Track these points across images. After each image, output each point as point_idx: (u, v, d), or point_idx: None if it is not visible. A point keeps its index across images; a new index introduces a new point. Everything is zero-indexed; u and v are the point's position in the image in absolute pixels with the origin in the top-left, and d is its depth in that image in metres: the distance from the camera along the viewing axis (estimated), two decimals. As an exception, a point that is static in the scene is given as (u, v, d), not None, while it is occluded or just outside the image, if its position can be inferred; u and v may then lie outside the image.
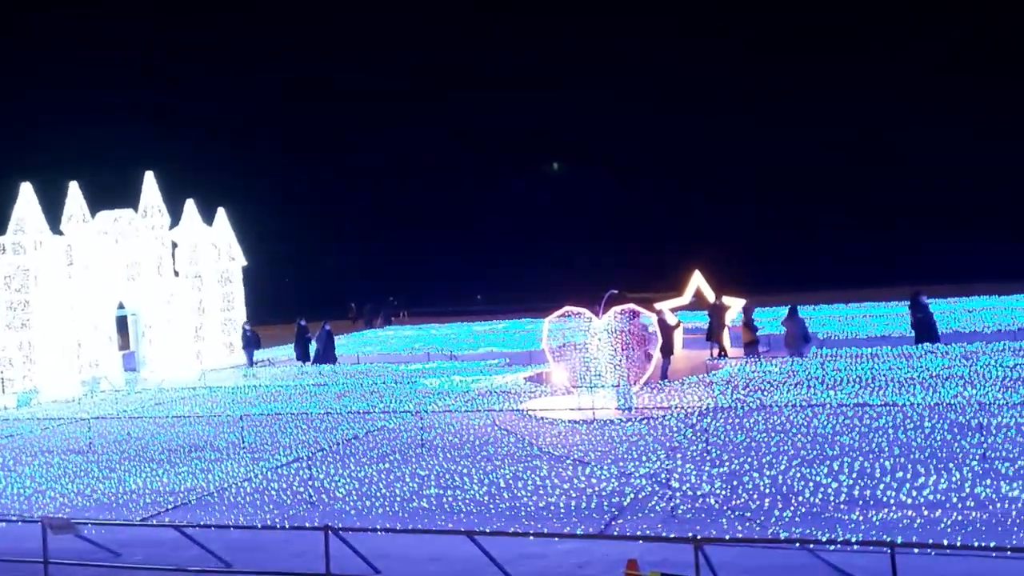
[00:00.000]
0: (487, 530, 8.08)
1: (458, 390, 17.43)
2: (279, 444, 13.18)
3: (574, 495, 9.35)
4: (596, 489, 9.52)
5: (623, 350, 16.06)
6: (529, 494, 9.52)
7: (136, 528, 9.20)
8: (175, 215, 26.70)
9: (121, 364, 23.70)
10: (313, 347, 24.79)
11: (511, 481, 10.09)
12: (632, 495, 9.17)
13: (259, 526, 8.82)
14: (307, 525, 8.70)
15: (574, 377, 16.17)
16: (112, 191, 26.45)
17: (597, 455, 11.11)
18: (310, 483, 10.50)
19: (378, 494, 9.97)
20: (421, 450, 12.05)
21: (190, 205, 27.48)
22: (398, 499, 9.72)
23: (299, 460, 11.85)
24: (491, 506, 9.18)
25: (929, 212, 59.20)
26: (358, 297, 47.92)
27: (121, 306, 24.38)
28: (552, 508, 8.96)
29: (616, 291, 17.92)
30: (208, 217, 28.27)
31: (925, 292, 20.20)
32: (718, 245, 48.29)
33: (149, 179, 25.32)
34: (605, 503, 8.99)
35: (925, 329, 19.51)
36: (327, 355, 24.42)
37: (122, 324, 25.17)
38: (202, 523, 8.91)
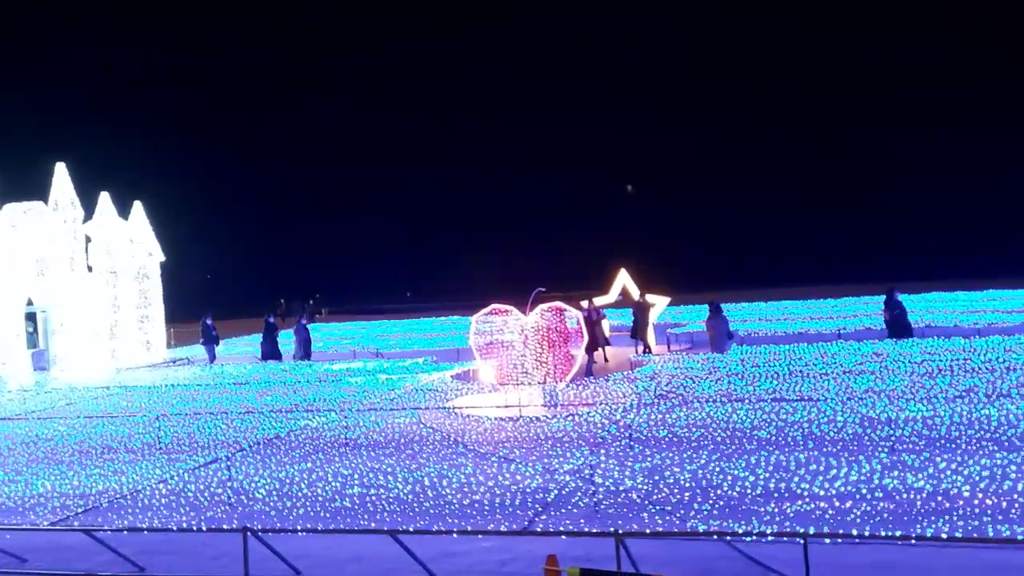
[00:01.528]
0: (410, 529, 8.04)
1: (383, 388, 17.27)
2: (196, 444, 12.84)
3: (499, 492, 9.36)
4: (520, 486, 9.55)
5: (549, 347, 16.18)
6: (454, 492, 9.49)
7: (44, 533, 8.84)
8: (88, 208, 25.75)
9: (30, 363, 22.74)
10: (293, 343, 23.96)
11: (436, 479, 10.04)
12: (556, 491, 9.23)
13: (174, 529, 8.57)
14: (225, 527, 8.50)
15: (501, 374, 16.22)
16: (21, 183, 25.32)
17: (522, 452, 11.15)
18: (228, 484, 10.25)
19: (299, 494, 9.80)
20: (344, 449, 11.90)
21: (104, 198, 26.50)
22: (320, 499, 9.57)
23: (217, 461, 11.56)
24: (415, 505, 9.13)
25: (857, 209, 61.41)
26: (283, 293, 47.09)
27: (30, 302, 23.39)
28: (476, 505, 8.96)
29: (543, 289, 18.02)
30: (124, 211, 27.35)
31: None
32: (644, 243, 49.15)
33: (60, 170, 24.38)
34: (529, 500, 9.03)
35: (899, 325, 20.17)
36: (306, 350, 23.79)
37: (32, 321, 24.14)
38: (114, 527, 8.61)
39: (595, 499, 8.82)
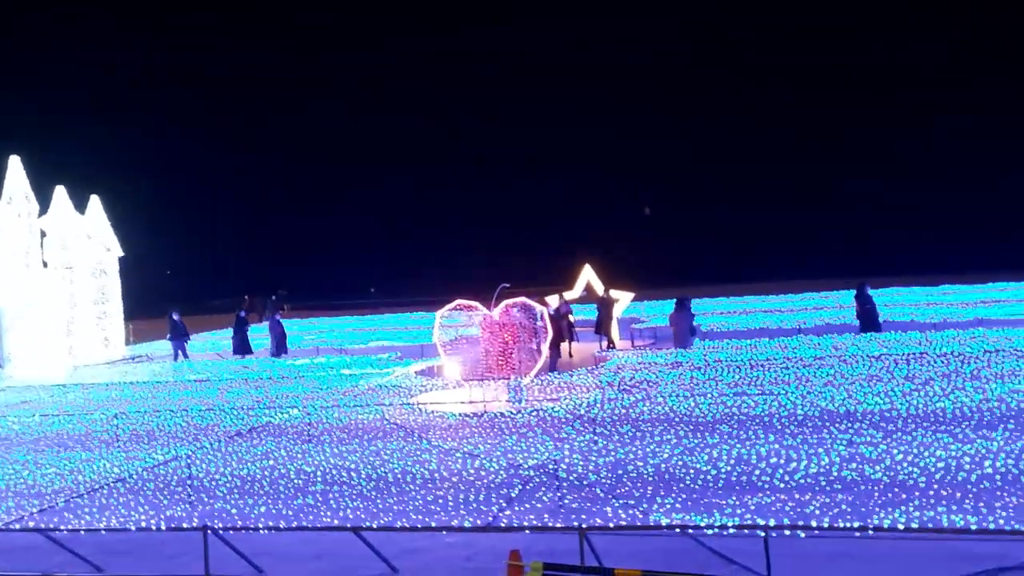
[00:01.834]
0: (374, 525, 8.00)
1: (347, 384, 17.16)
2: (156, 442, 12.64)
3: (462, 488, 9.35)
4: (484, 481, 9.55)
5: (514, 343, 16.19)
6: (417, 488, 9.46)
7: (-3, 534, 8.64)
8: (44, 203, 25.19)
9: (-17, 360, 22.22)
10: (269, 338, 23.60)
11: (399, 475, 10.00)
12: (520, 486, 9.24)
13: (133, 528, 8.43)
14: (185, 526, 8.38)
15: (465, 370, 16.19)
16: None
17: (487, 447, 11.15)
18: (189, 482, 10.11)
19: (261, 492, 9.70)
20: (307, 446, 11.80)
21: (60, 192, 25.95)
22: (282, 496, 9.48)
23: (177, 458, 11.40)
24: (379, 501, 9.08)
25: (817, 208, 62.26)
26: (247, 289, 46.54)
27: (-17, 299, 22.85)
28: (440, 501, 8.93)
29: (508, 285, 18.02)
30: (81, 206, 26.81)
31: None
32: (610, 239, 49.40)
33: (15, 164, 23.82)
34: (493, 495, 9.03)
35: (869, 319, 20.55)
36: (280, 346, 23.48)
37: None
38: (71, 526, 8.44)
39: (559, 494, 8.84)
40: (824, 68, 68.36)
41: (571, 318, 22.37)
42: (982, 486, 8.16)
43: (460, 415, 13.47)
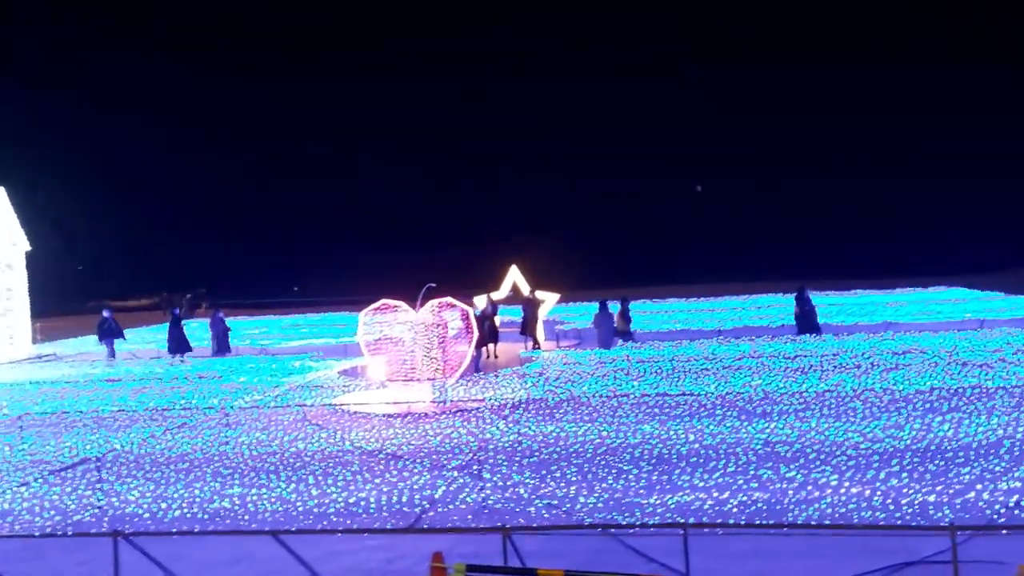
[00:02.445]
0: (293, 529, 7.84)
1: (267, 384, 16.79)
2: (64, 445, 12.12)
3: (385, 490, 9.24)
4: (408, 483, 9.46)
5: (439, 343, 16.10)
6: (339, 490, 9.31)
7: None
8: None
9: None
10: (210, 338, 22.71)
11: (320, 478, 9.83)
12: (444, 488, 9.19)
13: (38, 534, 8.05)
14: (94, 531, 8.05)
15: (390, 371, 16.04)
16: None
17: (410, 449, 11.05)
18: (99, 486, 9.72)
19: (176, 495, 9.40)
20: (225, 448, 11.49)
21: (-38, 183, 24.70)
22: (197, 500, 9.20)
23: (86, 462, 10.95)
24: (299, 504, 8.89)
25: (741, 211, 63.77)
26: (165, 285, 45.18)
27: None
28: (362, 504, 8.81)
29: (434, 285, 17.91)
30: (-15, 197, 25.55)
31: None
32: (536, 240, 49.65)
33: (-88, 151, 22.54)
34: (417, 497, 8.95)
35: (807, 321, 21.04)
36: (223, 345, 22.66)
37: None
38: (-32, 535, 8.02)
39: (483, 494, 8.82)
40: (761, 75, 69.93)
41: (497, 319, 22.40)
42: (890, 483, 8.47)
43: (384, 416, 13.32)
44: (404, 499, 8.88)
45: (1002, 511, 7.45)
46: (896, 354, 16.46)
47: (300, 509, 8.72)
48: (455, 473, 9.69)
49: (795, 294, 21.74)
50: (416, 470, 9.96)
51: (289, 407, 14.12)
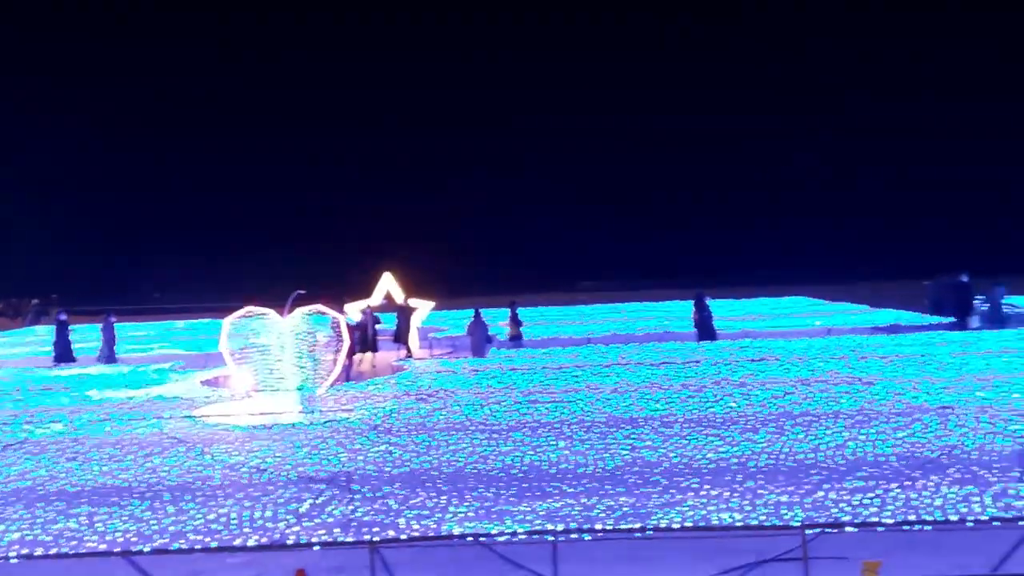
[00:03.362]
0: (146, 549, 7.41)
1: (123, 396, 15.88)
2: None
3: (248, 505, 8.89)
4: (272, 497, 9.14)
5: (308, 351, 15.69)
6: (198, 507, 8.88)
7: None
8: None
9: None
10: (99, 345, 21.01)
11: (178, 493, 9.35)
12: (311, 501, 8.93)
13: None
14: (-83, 560, 7.35)
15: (255, 380, 15.49)
16: None
17: (276, 461, 10.69)
18: (-75, 509, 8.90)
19: (15, 516, 8.71)
20: (73, 464, 10.76)
21: None
22: (40, 520, 8.56)
23: (-88, 483, 10.01)
24: (153, 522, 8.42)
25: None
26: (9, 290, 42.10)
27: None
28: (223, 520, 8.43)
29: (303, 291, 17.44)
30: None
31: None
32: (410, 247, 49.32)
33: None
34: (281, 511, 8.65)
35: (705, 327, 21.49)
36: (111, 351, 20.99)
37: None
38: None
39: (351, 507, 8.63)
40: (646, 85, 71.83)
41: (374, 328, 22.11)
42: (746, 485, 8.85)
43: (248, 428, 12.84)
44: (268, 514, 8.56)
45: (847, 509, 7.92)
46: (752, 361, 17.28)
47: (155, 528, 8.26)
48: (322, 486, 9.44)
49: (693, 300, 22.41)
50: (281, 483, 9.64)
51: (145, 420, 13.40)
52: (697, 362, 17.36)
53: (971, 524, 7.03)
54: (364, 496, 8.99)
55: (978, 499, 8.01)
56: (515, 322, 21.75)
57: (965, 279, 22.80)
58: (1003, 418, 11.04)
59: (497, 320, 24.44)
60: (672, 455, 10.15)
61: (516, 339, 21.54)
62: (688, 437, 11.00)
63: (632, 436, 11.16)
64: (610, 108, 71.79)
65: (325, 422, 12.91)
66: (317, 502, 8.87)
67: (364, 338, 20.51)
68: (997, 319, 22.22)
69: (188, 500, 9.11)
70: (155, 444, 11.82)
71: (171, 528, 8.24)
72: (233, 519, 8.45)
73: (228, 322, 15.67)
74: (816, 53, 69.29)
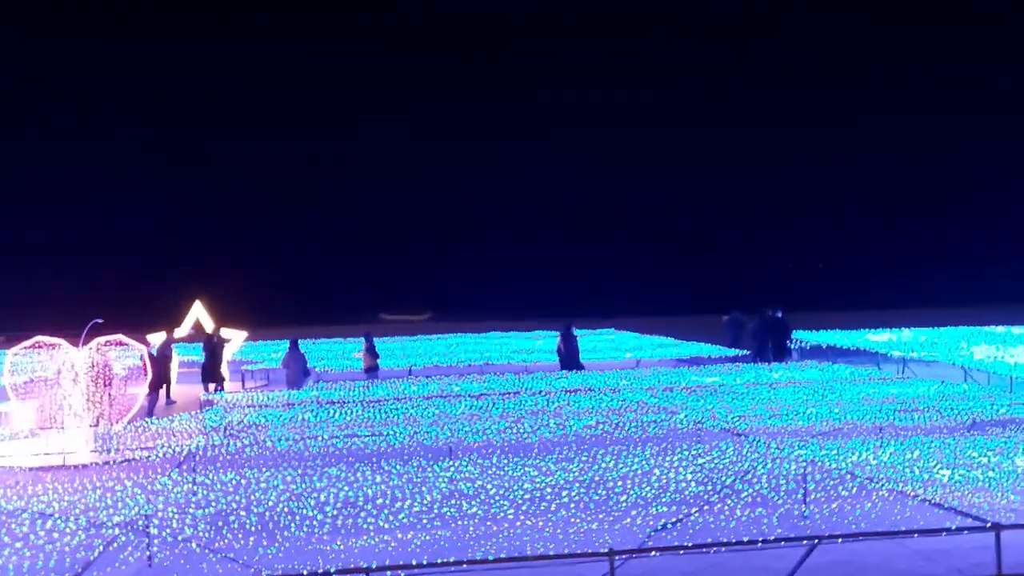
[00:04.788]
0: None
1: None
2: None
3: (29, 554, 8.07)
4: (58, 545, 8.35)
5: (105, 386, 14.61)
6: (-32, 559, 7.96)
7: None
8: None
9: None
10: None
11: (-56, 546, 8.35)
12: (102, 547, 8.23)
13: None
14: None
15: (42, 417, 14.18)
16: None
17: (63, 505, 9.78)
18: None
19: None
20: None
21: None
22: None
23: None
24: (-89, 580, 7.46)
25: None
26: None
27: None
28: (1, 572, 7.61)
29: (101, 320, 16.22)
30: None
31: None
32: (223, 277, 47.18)
33: None
34: (68, 559, 7.92)
35: (571, 357, 21.46)
36: None
37: None
38: None
39: (149, 552, 8.05)
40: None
41: (175, 358, 20.89)
42: (559, 514, 9.08)
43: (31, 469, 11.70)
44: (52, 563, 7.82)
45: (651, 535, 8.29)
46: (567, 392, 17.82)
47: (-88, 586, 7.32)
48: (116, 530, 8.73)
49: (560, 331, 22.72)
50: (69, 529, 8.83)
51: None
52: (516, 393, 17.67)
53: (760, 545, 7.56)
54: (164, 540, 8.41)
55: (767, 521, 8.64)
56: (371, 353, 21.22)
57: (779, 315, 24.64)
58: (790, 444, 12.00)
59: (352, 352, 23.92)
60: (489, 486, 10.23)
61: (372, 371, 21.03)
62: (506, 467, 11.14)
63: (451, 468, 11.16)
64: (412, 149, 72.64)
65: (122, 461, 12.00)
66: (110, 549, 8.20)
67: (162, 372, 19.20)
68: (784, 351, 24.21)
69: (-45, 553, 8.15)
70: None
71: (-68, 586, 7.33)
72: (11, 569, 7.64)
73: (12, 354, 14.31)
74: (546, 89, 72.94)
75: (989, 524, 7.52)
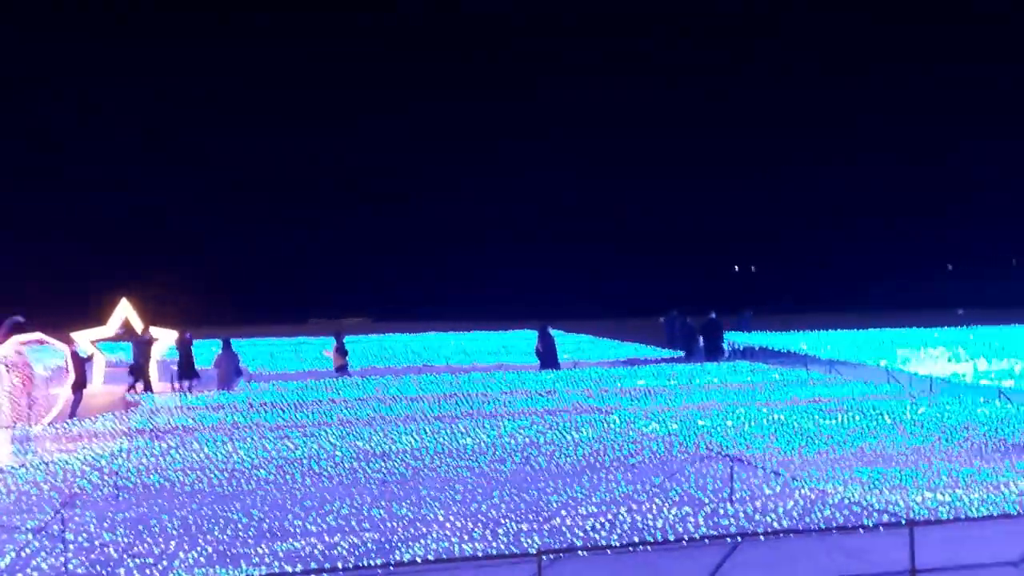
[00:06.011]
0: None
1: None
2: None
3: (-66, 563, 7.72)
4: (-34, 552, 8.01)
5: (25, 385, 14.11)
6: None
7: None
8: None
9: None
10: None
11: None
12: (13, 554, 7.92)
13: None
14: None
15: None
16: None
17: (-26, 511, 9.40)
18: None
19: None
20: None
21: None
22: None
23: None
24: None
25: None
26: None
27: None
28: (-101, 582, 7.26)
29: (21, 318, 15.64)
30: None
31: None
32: (153, 275, 45.98)
33: None
34: (-24, 568, 7.60)
35: (548, 356, 21.28)
36: None
37: None
38: None
39: (64, 558, 7.77)
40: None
41: (97, 358, 20.29)
42: (489, 515, 9.06)
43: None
44: (-42, 572, 7.50)
45: (580, 534, 8.33)
46: (504, 393, 17.82)
47: None
48: (29, 536, 8.41)
49: (538, 331, 22.62)
50: (-21, 536, 8.49)
51: None
52: (453, 396, 17.60)
53: (686, 543, 7.65)
54: (80, 546, 8.14)
55: (693, 519, 8.76)
56: (341, 352, 20.86)
57: (714, 316, 25.07)
58: (718, 444, 12.19)
59: (323, 348, 23.54)
60: (420, 487, 10.17)
61: (342, 369, 20.68)
62: (437, 468, 11.08)
63: (381, 470, 11.06)
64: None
65: (40, 464, 11.58)
66: (22, 555, 7.89)
67: (81, 372, 18.60)
68: (717, 351, 24.64)
69: None
70: None
71: None
72: (-89, 581, 7.30)
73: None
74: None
75: (904, 522, 7.76)
